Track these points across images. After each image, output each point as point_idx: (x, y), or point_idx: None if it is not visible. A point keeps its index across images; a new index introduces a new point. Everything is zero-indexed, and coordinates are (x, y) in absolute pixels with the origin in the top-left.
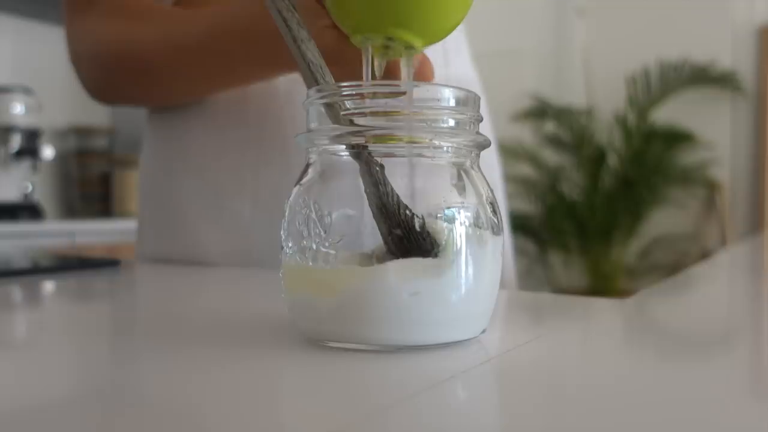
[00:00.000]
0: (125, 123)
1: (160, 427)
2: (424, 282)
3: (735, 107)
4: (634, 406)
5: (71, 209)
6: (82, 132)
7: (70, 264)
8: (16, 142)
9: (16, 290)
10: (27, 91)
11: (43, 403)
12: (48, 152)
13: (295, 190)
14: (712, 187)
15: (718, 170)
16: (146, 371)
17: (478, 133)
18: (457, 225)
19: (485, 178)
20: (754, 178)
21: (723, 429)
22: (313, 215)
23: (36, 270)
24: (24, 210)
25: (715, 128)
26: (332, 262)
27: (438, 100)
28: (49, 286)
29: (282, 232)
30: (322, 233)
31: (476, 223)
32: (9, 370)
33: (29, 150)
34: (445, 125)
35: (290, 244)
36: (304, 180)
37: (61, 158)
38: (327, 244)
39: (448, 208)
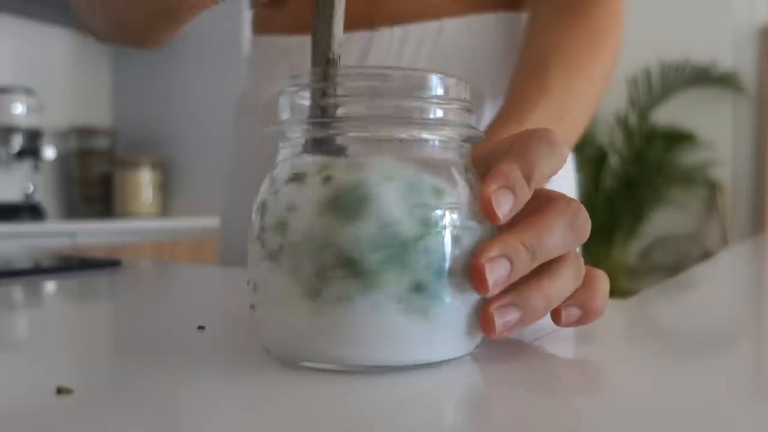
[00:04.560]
0: (127, 123)
1: (161, 426)
2: (411, 296)
3: (736, 107)
4: (636, 406)
5: (72, 209)
6: (83, 132)
7: (71, 264)
8: (17, 142)
9: (17, 290)
10: (28, 91)
11: (42, 403)
12: (49, 153)
13: (265, 188)
14: (713, 188)
15: (719, 171)
16: (140, 375)
17: (469, 125)
18: (447, 230)
19: (478, 176)
20: (755, 179)
21: (724, 429)
22: (287, 218)
23: (37, 270)
24: (25, 210)
25: (716, 129)
26: (308, 274)
27: (424, 88)
28: (50, 286)
29: (250, 238)
30: (297, 239)
31: (467, 226)
32: (10, 370)
33: (30, 150)
34: (433, 116)
35: (259, 252)
36: (276, 178)
37: (62, 159)
38: (302, 251)
39: (437, 209)
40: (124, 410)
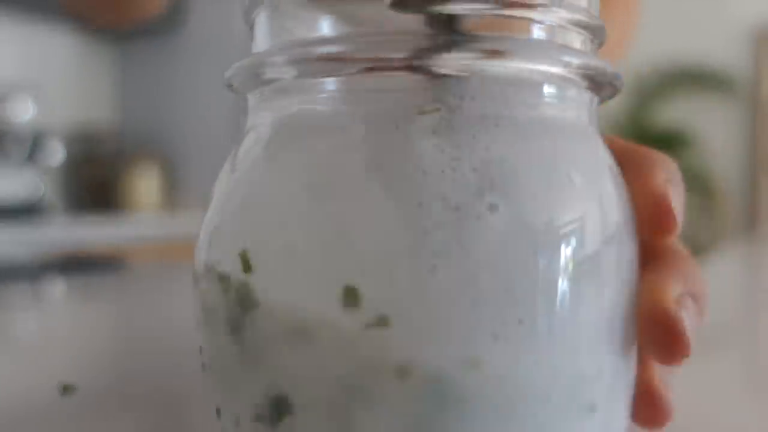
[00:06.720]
0: (132, 123)
1: (163, 425)
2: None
3: (729, 108)
4: None
5: (78, 210)
6: (90, 133)
7: (76, 265)
8: (24, 143)
9: (21, 291)
10: (35, 92)
11: (47, 400)
12: (56, 153)
13: (221, 186)
14: (706, 189)
15: (713, 172)
16: (144, 374)
17: (599, 59)
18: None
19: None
20: (748, 180)
21: (721, 427)
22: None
23: (42, 271)
24: (31, 211)
25: (710, 130)
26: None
27: None
28: (54, 286)
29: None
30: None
31: (601, 270)
32: (15, 368)
33: (37, 151)
34: (537, 33)
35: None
36: (239, 161)
37: (69, 159)
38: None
39: (561, 230)
40: (128, 408)
